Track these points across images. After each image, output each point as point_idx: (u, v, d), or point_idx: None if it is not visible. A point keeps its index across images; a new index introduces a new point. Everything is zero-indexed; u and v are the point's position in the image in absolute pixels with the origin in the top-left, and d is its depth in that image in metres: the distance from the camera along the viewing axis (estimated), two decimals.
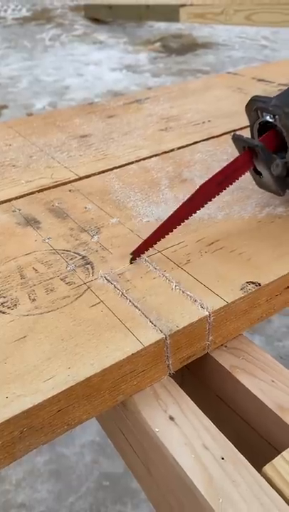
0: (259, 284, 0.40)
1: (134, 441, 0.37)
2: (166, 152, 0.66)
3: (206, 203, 0.45)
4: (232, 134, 0.47)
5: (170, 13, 3.63)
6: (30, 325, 0.37)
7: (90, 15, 4.66)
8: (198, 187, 0.44)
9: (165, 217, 0.49)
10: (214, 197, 0.45)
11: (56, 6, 5.23)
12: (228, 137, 0.69)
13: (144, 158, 0.65)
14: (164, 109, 0.84)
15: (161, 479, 0.35)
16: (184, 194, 0.54)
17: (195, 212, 0.45)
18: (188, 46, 3.90)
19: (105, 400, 0.34)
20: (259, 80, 0.98)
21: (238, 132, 0.48)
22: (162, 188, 0.56)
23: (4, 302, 0.39)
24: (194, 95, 0.91)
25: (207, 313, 0.37)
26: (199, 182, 0.57)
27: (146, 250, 0.44)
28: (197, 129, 0.74)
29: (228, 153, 0.64)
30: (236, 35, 4.14)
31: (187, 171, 0.60)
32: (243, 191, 0.54)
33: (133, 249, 0.43)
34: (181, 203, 0.44)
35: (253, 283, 0.40)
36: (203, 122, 0.77)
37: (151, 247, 0.44)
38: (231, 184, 0.46)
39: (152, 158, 0.65)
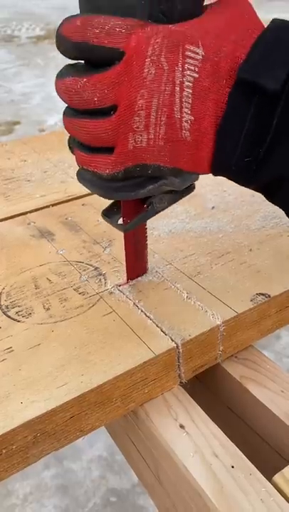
0: (269, 296, 0.40)
1: (145, 449, 0.37)
2: None
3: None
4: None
5: None
6: (44, 333, 0.38)
7: None
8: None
9: (176, 231, 0.50)
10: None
11: None
12: None
13: None
14: None
15: (171, 487, 0.35)
16: (194, 208, 0.55)
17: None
18: None
19: (117, 407, 0.35)
20: None
21: None
22: None
23: (19, 311, 0.40)
24: None
25: (219, 323, 0.38)
26: (210, 197, 0.58)
27: (135, 277, 0.43)
28: None
29: None
30: None
31: (198, 185, 0.61)
32: (251, 205, 0.55)
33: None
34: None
35: (262, 294, 0.40)
36: None
37: (137, 275, 0.43)
38: None
39: None
